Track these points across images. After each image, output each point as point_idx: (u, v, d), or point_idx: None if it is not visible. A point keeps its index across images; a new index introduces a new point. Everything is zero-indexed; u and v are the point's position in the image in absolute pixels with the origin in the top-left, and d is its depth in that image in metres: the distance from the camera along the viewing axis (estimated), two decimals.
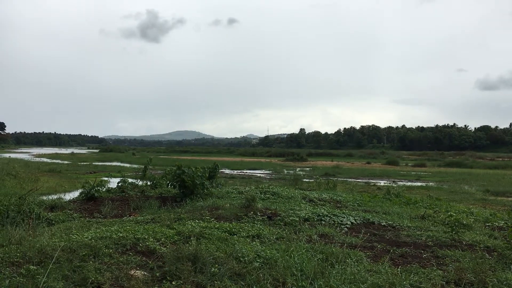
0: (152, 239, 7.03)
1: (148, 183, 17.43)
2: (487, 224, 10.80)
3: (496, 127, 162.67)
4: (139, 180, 18.47)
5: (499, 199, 19.61)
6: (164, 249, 6.50)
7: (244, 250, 6.37)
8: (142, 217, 9.93)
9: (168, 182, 14.55)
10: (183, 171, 13.45)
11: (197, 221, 8.94)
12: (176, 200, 13.35)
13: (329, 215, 10.48)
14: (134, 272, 5.50)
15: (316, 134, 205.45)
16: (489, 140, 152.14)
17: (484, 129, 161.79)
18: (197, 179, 13.44)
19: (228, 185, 18.46)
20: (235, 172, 37.69)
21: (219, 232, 7.77)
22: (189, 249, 6.03)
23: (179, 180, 13.41)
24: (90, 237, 6.83)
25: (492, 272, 6.16)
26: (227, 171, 38.18)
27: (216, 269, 5.51)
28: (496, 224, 10.82)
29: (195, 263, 5.69)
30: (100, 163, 47.07)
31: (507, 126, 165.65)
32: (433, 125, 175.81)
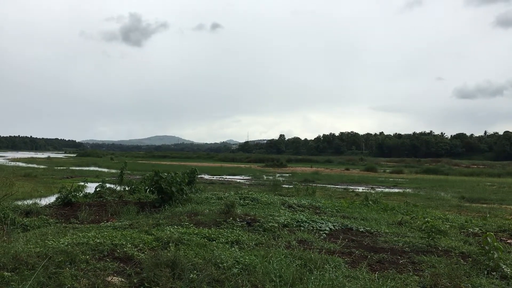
0: (130, 245, 6.96)
1: (127, 188, 17.24)
2: (462, 230, 11.00)
3: (472, 135, 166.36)
4: (117, 185, 18.26)
5: (474, 205, 19.98)
6: (142, 255, 6.44)
7: (223, 256, 6.35)
8: (120, 223, 9.82)
9: (146, 187, 14.42)
10: (160, 176, 13.35)
11: (175, 227, 8.88)
12: (154, 205, 13.23)
13: (308, 221, 10.52)
14: (111, 279, 5.44)
15: (296, 140, 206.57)
16: (464, 147, 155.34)
17: (460, 136, 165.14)
18: (175, 184, 13.35)
19: (207, 191, 18.39)
20: (215, 177, 37.58)
21: (198, 238, 7.74)
22: (167, 255, 5.99)
23: (157, 185, 13.31)
24: (66, 243, 6.71)
25: (467, 277, 6.29)
26: (206, 176, 38.04)
27: (194, 276, 5.48)
28: (471, 230, 11.03)
29: (173, 269, 5.66)
30: (77, 168, 46.40)
31: (482, 134, 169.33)
32: (411, 133, 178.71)
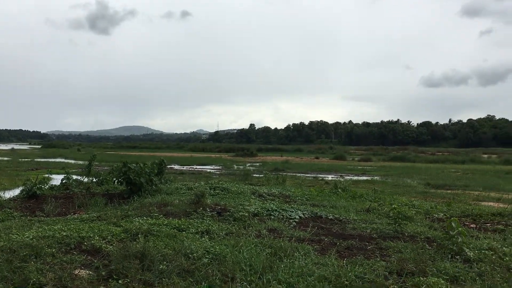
0: (97, 237, 6.85)
1: (94, 180, 16.93)
2: (428, 216, 11.30)
3: (437, 123, 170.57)
4: (84, 177, 17.90)
5: (438, 191, 20.51)
6: (111, 247, 6.35)
7: (193, 247, 6.34)
8: (87, 215, 9.64)
9: (114, 179, 14.19)
10: (129, 167, 13.15)
11: (145, 218, 8.79)
12: (123, 197, 13.05)
13: (278, 209, 10.59)
14: (79, 272, 5.34)
15: (266, 129, 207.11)
16: (430, 135, 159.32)
17: (426, 124, 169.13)
18: (144, 175, 13.18)
19: (177, 181, 18.24)
20: (185, 167, 37.32)
21: (168, 229, 7.68)
22: (136, 247, 5.93)
23: (126, 177, 13.12)
24: (31, 237, 6.56)
25: (432, 261, 6.46)
26: (176, 167, 37.73)
27: (164, 266, 5.45)
28: (436, 215, 11.34)
29: (142, 260, 5.60)
30: (42, 160, 45.23)
31: (447, 122, 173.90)
32: (379, 121, 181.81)
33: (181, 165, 40.14)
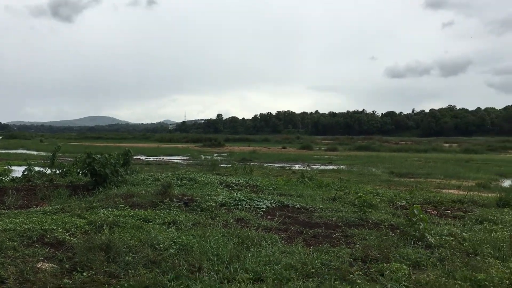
0: (61, 230, 6.71)
1: (58, 172, 16.52)
2: (391, 204, 11.58)
3: (401, 112, 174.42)
4: (47, 168, 17.44)
5: (402, 180, 21.05)
6: (75, 239, 6.23)
7: (159, 237, 6.29)
8: (50, 207, 9.42)
9: (78, 170, 13.89)
10: (93, 158, 12.90)
11: (110, 209, 8.65)
12: (88, 188, 12.79)
13: (245, 199, 10.62)
14: (41, 265, 5.23)
15: (234, 119, 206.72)
16: (394, 125, 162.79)
17: (390, 114, 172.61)
18: (109, 166, 12.96)
19: (144, 172, 18.02)
20: (151, 158, 36.91)
21: (134, 220, 7.60)
22: (101, 239, 5.84)
23: (90, 168, 12.86)
24: None
25: (395, 248, 6.64)
26: (143, 157, 37.28)
27: (130, 258, 5.39)
28: (399, 203, 11.64)
29: (108, 252, 5.52)
30: (3, 151, 43.82)
31: (410, 111, 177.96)
32: (345, 111, 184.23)
33: (147, 156, 39.68)
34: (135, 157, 27.78)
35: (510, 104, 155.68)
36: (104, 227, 6.83)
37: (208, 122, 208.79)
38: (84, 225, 7.16)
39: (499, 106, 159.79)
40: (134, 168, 17.57)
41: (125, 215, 7.99)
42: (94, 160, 12.89)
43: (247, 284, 4.89)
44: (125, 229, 6.92)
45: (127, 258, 5.38)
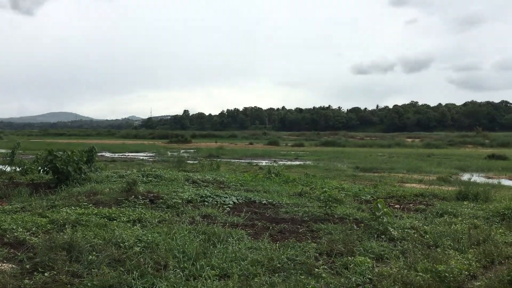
0: (21, 229, 6.54)
1: (18, 169, 16.02)
2: (356, 198, 11.79)
3: (365, 108, 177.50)
4: (6, 166, 16.88)
5: (366, 174, 21.41)
6: (36, 239, 6.08)
7: (124, 236, 6.20)
8: (10, 206, 9.11)
9: (39, 167, 13.49)
10: (55, 155, 12.56)
11: (73, 208, 8.47)
12: (49, 186, 12.45)
13: (212, 195, 10.60)
14: (1, 266, 5.07)
15: (201, 115, 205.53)
16: (359, 120, 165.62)
17: (355, 110, 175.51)
18: (71, 164, 12.65)
19: (108, 169, 17.67)
20: (116, 155, 36.24)
21: (98, 218, 7.47)
22: (63, 238, 5.71)
23: (52, 165, 12.52)
24: None
25: (359, 241, 6.77)
26: (107, 154, 36.56)
27: (93, 257, 5.29)
28: (364, 197, 11.85)
29: (70, 252, 5.41)
30: None
31: (375, 107, 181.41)
32: (311, 107, 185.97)
33: (112, 153, 38.95)
34: (99, 154, 27.23)
35: (469, 100, 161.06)
36: (66, 226, 6.69)
37: (175, 118, 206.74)
38: (46, 224, 6.99)
39: (459, 102, 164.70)
40: (98, 165, 17.21)
41: (88, 214, 7.84)
42: (56, 157, 12.55)
43: (213, 280, 4.89)
44: (88, 227, 6.80)
45: (91, 257, 5.28)
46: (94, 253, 5.43)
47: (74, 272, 4.98)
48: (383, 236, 7.17)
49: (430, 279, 5.13)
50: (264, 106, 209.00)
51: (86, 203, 8.97)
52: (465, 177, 19.94)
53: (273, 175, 16.31)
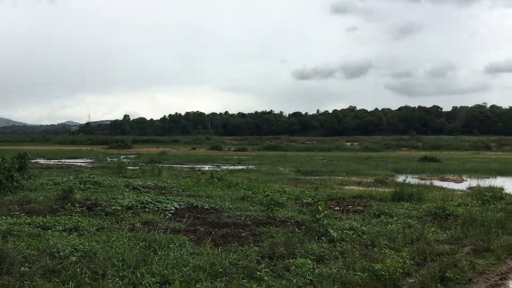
0: None
1: None
2: (298, 201, 12.00)
3: (306, 113, 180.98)
4: None
5: (308, 178, 21.84)
6: None
7: (59, 245, 5.96)
8: None
9: None
10: None
11: (4, 217, 8.02)
12: None
13: (153, 202, 10.41)
14: None
15: (142, 120, 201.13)
16: (300, 125, 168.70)
17: (296, 115, 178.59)
18: (2, 171, 11.99)
19: (43, 177, 16.92)
20: (52, 162, 34.72)
21: (31, 228, 7.13)
22: None
23: None
24: None
25: (300, 244, 6.89)
26: (42, 161, 34.97)
27: (26, 268, 5.05)
28: (305, 200, 12.09)
29: (1, 264, 5.12)
30: None
31: (315, 112, 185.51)
32: (253, 112, 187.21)
33: (48, 159, 37.29)
34: (33, 160, 26.04)
35: (404, 105, 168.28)
36: None
37: (115, 123, 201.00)
38: None
39: (394, 107, 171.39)
40: (32, 172, 16.42)
41: (20, 223, 7.46)
42: None
43: None
44: (20, 237, 6.47)
45: (23, 268, 5.03)
46: (27, 264, 5.18)
47: (5, 285, 4.71)
48: (324, 237, 7.33)
49: (368, 278, 5.31)
50: (207, 111, 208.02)
51: (18, 212, 8.53)
52: (400, 178, 20.80)
53: (216, 180, 16.26)
